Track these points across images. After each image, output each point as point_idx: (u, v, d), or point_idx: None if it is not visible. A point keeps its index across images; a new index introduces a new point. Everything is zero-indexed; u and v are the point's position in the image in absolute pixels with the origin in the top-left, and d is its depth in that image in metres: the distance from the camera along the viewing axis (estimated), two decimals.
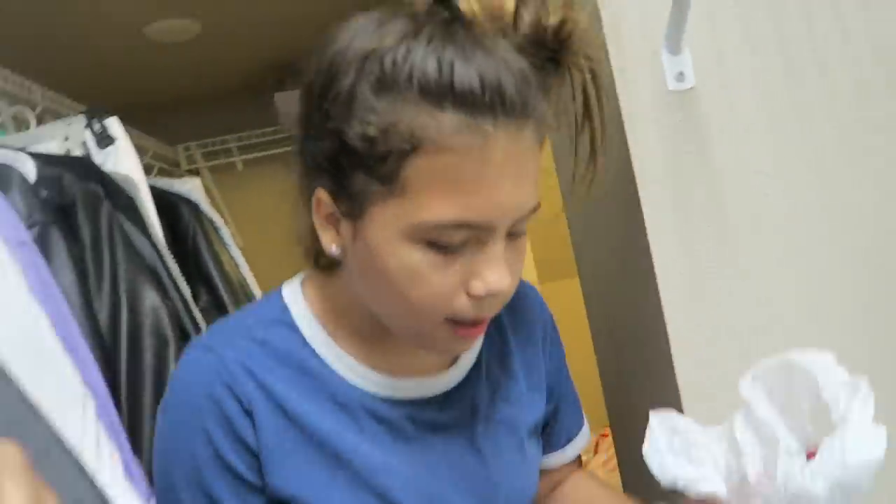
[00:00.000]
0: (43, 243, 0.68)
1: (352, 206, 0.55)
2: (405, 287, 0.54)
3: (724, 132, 0.74)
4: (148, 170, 2.10)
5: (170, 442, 0.61)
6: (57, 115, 1.48)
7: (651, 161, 0.73)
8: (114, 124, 1.10)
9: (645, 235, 0.74)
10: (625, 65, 0.70)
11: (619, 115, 0.71)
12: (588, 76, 0.57)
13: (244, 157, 2.53)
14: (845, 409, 0.56)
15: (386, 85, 0.51)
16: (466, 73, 0.49)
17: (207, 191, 2.49)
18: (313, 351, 0.62)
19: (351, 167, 0.53)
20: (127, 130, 1.64)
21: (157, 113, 2.37)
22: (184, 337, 0.86)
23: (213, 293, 1.19)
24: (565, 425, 0.76)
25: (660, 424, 0.64)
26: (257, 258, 2.21)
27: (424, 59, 0.50)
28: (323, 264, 0.63)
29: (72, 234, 0.73)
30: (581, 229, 1.09)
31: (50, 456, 0.44)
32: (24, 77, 1.30)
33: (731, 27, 0.73)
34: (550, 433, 0.75)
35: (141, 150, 2.00)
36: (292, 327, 0.62)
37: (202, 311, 1.06)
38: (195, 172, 2.49)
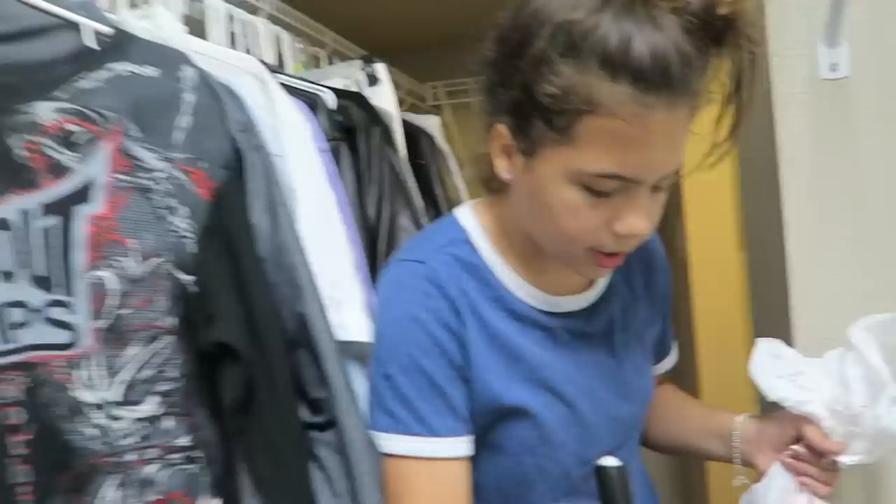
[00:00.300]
0: (335, 154, 0.99)
1: (527, 145, 0.66)
2: (560, 218, 0.66)
3: (871, 124, 0.81)
4: (401, 102, 2.48)
5: (391, 334, 0.71)
6: (341, 55, 1.85)
7: (795, 144, 0.82)
8: (381, 69, 1.40)
9: (781, 215, 0.83)
10: (781, 50, 0.81)
11: (770, 97, 0.83)
12: (747, 58, 0.62)
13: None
14: None
15: (573, 52, 0.59)
16: (640, 53, 0.58)
17: (446, 125, 2.84)
18: (490, 269, 0.74)
19: (532, 115, 0.63)
20: (389, 69, 1.98)
21: (413, 54, 2.74)
22: None
23: (436, 208, 1.50)
24: (665, 343, 0.91)
25: (765, 349, 0.78)
26: (479, 186, 2.56)
27: (608, 35, 0.58)
28: (493, 188, 0.76)
29: (353, 150, 1.04)
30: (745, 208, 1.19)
31: (302, 288, 0.72)
32: (317, 23, 1.66)
33: (891, 22, 0.81)
34: (655, 348, 0.89)
35: (397, 86, 2.36)
36: (473, 246, 0.74)
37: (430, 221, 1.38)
38: (438, 108, 2.84)
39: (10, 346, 0.63)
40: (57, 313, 0.64)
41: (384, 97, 1.36)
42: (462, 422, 0.71)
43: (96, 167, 0.64)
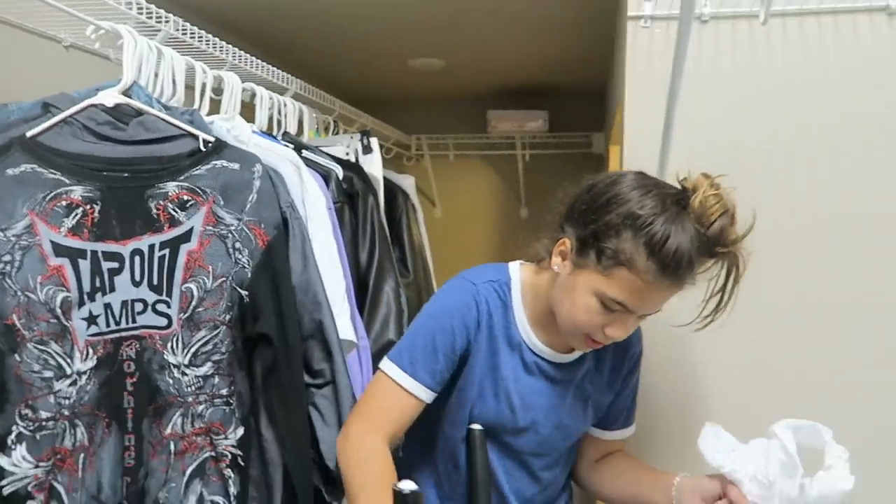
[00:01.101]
0: (339, 213, 1.38)
1: (578, 262, 0.95)
2: (578, 312, 0.95)
3: None
4: (388, 151, 2.90)
5: (433, 314, 1.02)
6: (346, 119, 2.24)
7: None
8: (374, 141, 1.80)
9: None
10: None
11: None
12: (733, 270, 0.93)
13: (456, 152, 3.25)
14: (836, 459, 0.94)
15: (632, 230, 0.89)
16: (668, 251, 0.87)
17: (425, 171, 3.27)
18: (513, 310, 1.03)
19: (591, 250, 0.93)
20: (381, 122, 2.38)
21: (402, 112, 3.17)
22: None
23: (402, 251, 1.89)
24: (622, 418, 1.16)
25: (710, 431, 1.01)
26: (449, 223, 3.01)
27: (656, 229, 0.88)
28: (540, 264, 1.05)
29: (353, 211, 1.43)
30: None
31: (321, 304, 1.11)
32: (326, 93, 2.06)
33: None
34: (609, 419, 1.15)
35: (387, 138, 2.78)
36: (510, 291, 1.04)
37: (396, 261, 1.78)
38: (420, 156, 3.26)
39: (133, 325, 1.01)
40: (161, 307, 1.03)
41: (374, 164, 1.76)
42: (434, 383, 1.01)
43: (196, 221, 1.04)
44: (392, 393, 1.00)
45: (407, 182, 2.07)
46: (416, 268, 1.89)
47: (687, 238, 0.89)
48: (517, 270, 1.07)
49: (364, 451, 0.98)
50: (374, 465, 0.97)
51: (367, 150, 1.79)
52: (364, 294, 1.48)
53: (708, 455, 1.00)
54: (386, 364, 1.02)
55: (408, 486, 0.87)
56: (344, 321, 1.16)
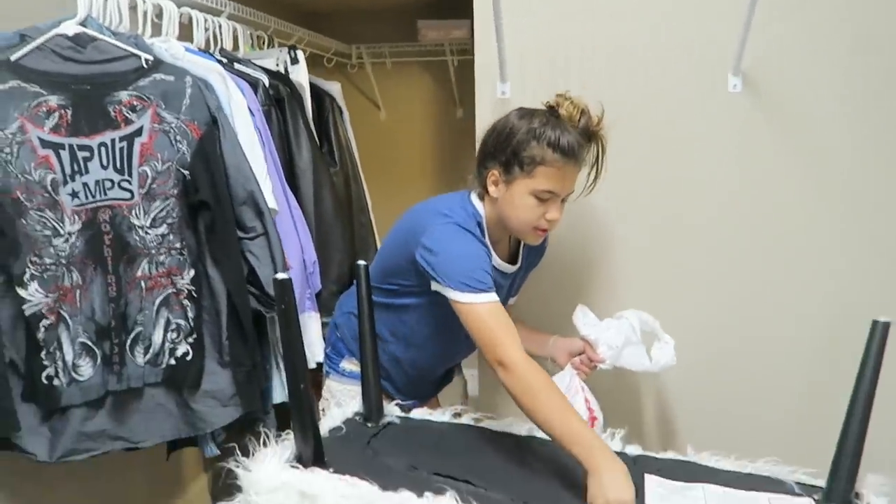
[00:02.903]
0: (267, 116, 1.67)
1: (508, 179, 1.26)
2: (523, 212, 1.26)
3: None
4: (328, 61, 3.13)
5: (465, 256, 1.22)
6: (281, 34, 2.46)
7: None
8: (300, 54, 2.07)
9: None
10: (485, 85, 1.57)
11: (476, 101, 1.58)
12: (600, 147, 1.29)
13: (393, 59, 3.48)
14: (666, 342, 1.42)
15: (536, 139, 1.22)
16: (563, 144, 1.21)
17: (367, 78, 3.51)
18: (486, 239, 1.31)
19: (514, 165, 1.24)
20: (319, 35, 2.60)
21: (342, 23, 3.36)
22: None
23: (330, 146, 2.20)
24: (518, 291, 1.56)
25: (580, 310, 1.44)
26: (392, 124, 3.39)
27: (549, 132, 1.21)
28: (483, 195, 1.32)
29: (281, 113, 1.73)
30: None
31: (250, 178, 1.45)
32: (261, 10, 2.27)
33: (531, 75, 1.57)
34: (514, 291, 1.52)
35: (326, 49, 3.01)
36: (484, 230, 1.31)
37: (325, 153, 2.10)
38: (361, 64, 3.49)
39: (105, 198, 1.34)
40: (125, 185, 1.35)
41: (301, 73, 2.03)
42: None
43: (145, 120, 1.35)
44: (493, 311, 1.19)
45: (334, 88, 2.34)
46: (343, 159, 2.20)
47: (569, 132, 1.23)
48: (481, 207, 1.34)
49: (524, 371, 1.12)
50: (538, 377, 1.12)
51: (295, 61, 2.05)
52: (296, 174, 1.81)
53: (578, 325, 1.42)
54: (479, 296, 1.19)
55: (283, 275, 1.00)
56: (267, 193, 1.50)
